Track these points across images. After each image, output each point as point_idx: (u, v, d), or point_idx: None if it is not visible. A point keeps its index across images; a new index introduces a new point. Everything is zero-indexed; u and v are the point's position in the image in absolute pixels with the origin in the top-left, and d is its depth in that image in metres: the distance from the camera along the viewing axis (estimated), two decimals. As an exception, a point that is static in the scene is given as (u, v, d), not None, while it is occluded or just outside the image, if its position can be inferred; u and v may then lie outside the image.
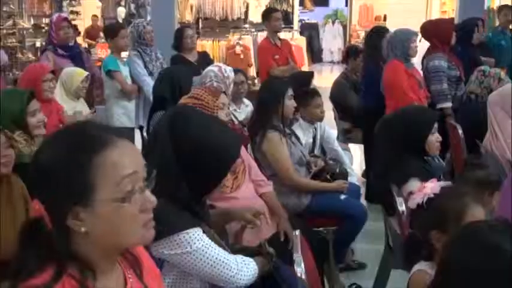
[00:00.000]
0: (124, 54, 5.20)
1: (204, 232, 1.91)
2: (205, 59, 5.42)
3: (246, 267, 1.98)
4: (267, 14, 6.03)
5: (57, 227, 1.13)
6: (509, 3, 6.91)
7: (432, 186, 1.99)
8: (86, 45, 10.20)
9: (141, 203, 1.14)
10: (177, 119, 2.01)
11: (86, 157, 1.09)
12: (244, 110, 4.41)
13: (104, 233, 1.13)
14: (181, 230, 1.85)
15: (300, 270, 1.99)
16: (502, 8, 6.58)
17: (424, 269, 1.85)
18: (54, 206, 1.11)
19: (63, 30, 4.88)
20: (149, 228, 1.17)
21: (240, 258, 1.99)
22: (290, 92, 3.45)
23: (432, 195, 1.95)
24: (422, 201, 1.96)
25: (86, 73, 4.26)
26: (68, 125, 1.33)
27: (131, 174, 1.12)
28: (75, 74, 4.22)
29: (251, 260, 2.02)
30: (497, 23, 6.83)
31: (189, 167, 1.91)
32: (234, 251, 2.07)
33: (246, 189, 2.80)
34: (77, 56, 5.01)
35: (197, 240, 1.86)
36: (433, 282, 1.48)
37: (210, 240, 1.91)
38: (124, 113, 4.94)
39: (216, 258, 1.89)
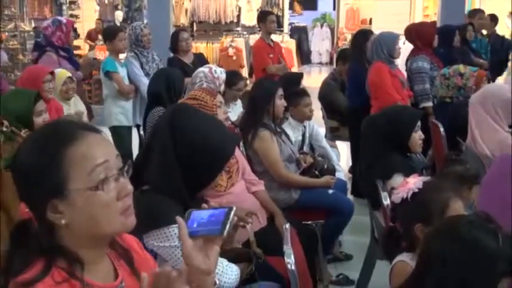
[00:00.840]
0: (122, 55, 5.18)
1: None
2: (200, 60, 5.41)
3: (230, 271, 1.94)
4: (263, 16, 6.08)
5: (40, 222, 1.13)
6: (494, 7, 6.95)
7: (415, 181, 1.99)
8: (88, 47, 10.16)
9: (116, 190, 1.13)
10: (178, 114, 2.00)
11: (57, 150, 1.10)
12: (235, 109, 4.43)
13: (83, 223, 1.12)
14: (171, 223, 1.80)
15: (290, 261, 1.99)
16: (476, 12, 6.61)
17: (405, 260, 1.86)
18: (34, 202, 1.12)
19: (71, 33, 4.88)
20: (128, 215, 1.16)
21: (225, 261, 1.94)
22: (280, 92, 3.45)
23: (416, 190, 1.95)
24: (407, 196, 1.96)
25: (67, 74, 4.14)
26: (42, 125, 1.34)
27: (103, 163, 1.12)
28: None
29: (234, 264, 1.97)
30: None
31: (186, 161, 1.90)
32: (223, 251, 2.05)
33: (239, 188, 2.80)
34: (72, 58, 5.01)
35: None
36: (413, 272, 1.48)
37: None
38: (122, 112, 4.92)
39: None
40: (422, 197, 1.92)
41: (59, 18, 5.73)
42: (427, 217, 1.85)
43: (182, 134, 1.93)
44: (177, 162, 1.89)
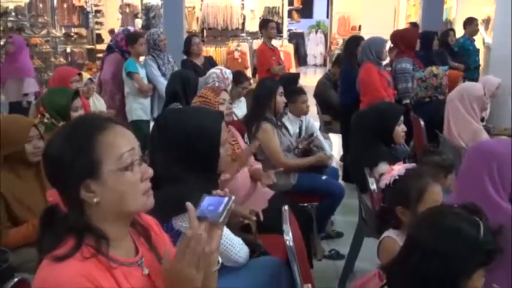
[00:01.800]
0: (141, 58, 5.19)
1: None
2: (210, 62, 5.42)
3: (245, 249, 1.94)
4: (265, 23, 6.04)
5: (72, 204, 1.13)
6: (469, 15, 6.89)
7: (399, 169, 1.99)
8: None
9: (140, 173, 1.16)
10: (171, 111, 2.05)
11: (90, 137, 1.12)
12: (239, 105, 4.45)
13: (112, 201, 1.13)
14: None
15: (288, 238, 1.99)
16: (472, 20, 6.57)
17: (392, 235, 1.86)
18: (68, 185, 1.12)
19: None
20: (149, 196, 1.19)
21: (241, 239, 1.94)
22: (281, 90, 3.45)
23: (397, 177, 1.94)
24: (389, 182, 1.96)
25: (88, 76, 4.19)
26: (71, 120, 1.35)
27: (129, 150, 1.15)
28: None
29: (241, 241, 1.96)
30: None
31: (185, 151, 1.86)
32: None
33: (243, 176, 2.80)
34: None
35: None
36: (399, 255, 1.45)
37: None
38: (141, 108, 4.93)
39: (224, 235, 1.81)
40: (402, 182, 1.92)
41: (129, 27, 6.04)
42: (407, 200, 1.85)
43: (174, 127, 1.90)
44: (179, 154, 1.85)
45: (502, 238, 1.34)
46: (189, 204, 1.14)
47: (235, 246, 1.90)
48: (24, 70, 5.77)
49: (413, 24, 8.21)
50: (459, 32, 6.91)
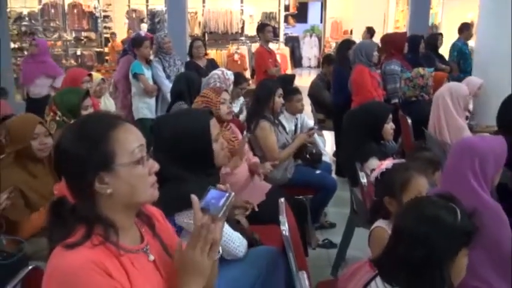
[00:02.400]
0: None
1: None
2: (212, 64, 5.40)
3: (244, 243, 1.94)
4: (262, 27, 6.01)
5: (84, 195, 1.13)
6: (453, 20, 6.88)
7: (387, 163, 1.99)
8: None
9: (148, 167, 1.17)
10: (162, 118, 2.14)
11: (104, 133, 1.12)
12: (238, 104, 4.45)
13: (124, 192, 1.14)
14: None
15: (284, 228, 2.00)
16: (468, 25, 6.56)
17: (382, 225, 1.87)
18: (82, 177, 1.11)
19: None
20: (155, 188, 1.20)
21: (239, 234, 1.94)
22: (280, 91, 3.46)
23: (384, 170, 1.95)
24: (378, 175, 1.97)
25: (101, 76, 4.17)
26: (85, 115, 1.34)
27: (139, 146, 1.16)
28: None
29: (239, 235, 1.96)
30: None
31: (181, 149, 1.86)
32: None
33: (242, 171, 2.81)
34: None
35: None
36: (387, 245, 1.46)
37: None
38: (146, 107, 4.91)
39: (224, 230, 1.78)
40: (388, 174, 1.93)
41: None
42: (392, 191, 1.86)
43: (164, 134, 1.91)
44: (176, 155, 1.85)
45: (477, 220, 1.37)
46: (193, 197, 1.15)
47: (234, 241, 1.90)
48: (55, 68, 5.83)
49: (368, 29, 8.25)
50: (445, 35, 6.90)
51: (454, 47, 6.24)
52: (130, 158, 1.13)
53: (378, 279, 1.44)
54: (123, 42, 8.68)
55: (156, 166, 1.19)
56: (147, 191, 1.17)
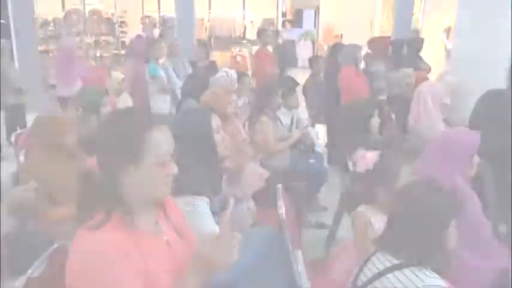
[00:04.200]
0: (160, 60, 5.15)
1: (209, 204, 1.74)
2: (212, 66, 5.39)
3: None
4: (262, 32, 5.98)
5: (110, 176, 1.13)
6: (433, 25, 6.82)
7: (372, 155, 1.98)
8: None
9: (168, 169, 1.16)
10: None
11: (142, 132, 1.12)
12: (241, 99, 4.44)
13: (143, 186, 1.14)
14: (196, 194, 1.71)
15: (281, 211, 2.00)
16: None
17: (363, 210, 1.87)
18: (113, 161, 1.12)
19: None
20: (168, 187, 1.19)
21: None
22: (279, 92, 3.44)
23: (376, 162, 1.95)
24: (369, 166, 1.96)
25: (122, 76, 4.20)
26: (123, 109, 1.31)
27: (167, 150, 1.15)
28: (113, 78, 4.20)
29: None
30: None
31: (186, 145, 1.75)
32: None
33: (251, 168, 2.74)
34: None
35: (199, 206, 1.70)
36: (385, 228, 1.49)
37: (208, 211, 1.72)
38: (163, 102, 4.87)
39: (205, 224, 1.66)
40: (381, 165, 1.92)
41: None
42: (386, 179, 1.85)
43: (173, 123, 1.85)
44: (181, 150, 1.81)
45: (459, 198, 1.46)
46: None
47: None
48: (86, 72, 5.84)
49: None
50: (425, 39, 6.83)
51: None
52: (157, 159, 1.13)
53: (379, 253, 1.45)
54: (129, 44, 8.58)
55: (175, 170, 1.18)
56: (162, 189, 1.18)
